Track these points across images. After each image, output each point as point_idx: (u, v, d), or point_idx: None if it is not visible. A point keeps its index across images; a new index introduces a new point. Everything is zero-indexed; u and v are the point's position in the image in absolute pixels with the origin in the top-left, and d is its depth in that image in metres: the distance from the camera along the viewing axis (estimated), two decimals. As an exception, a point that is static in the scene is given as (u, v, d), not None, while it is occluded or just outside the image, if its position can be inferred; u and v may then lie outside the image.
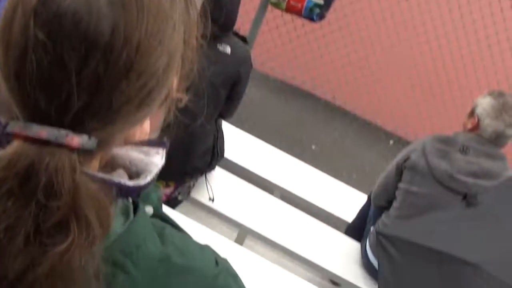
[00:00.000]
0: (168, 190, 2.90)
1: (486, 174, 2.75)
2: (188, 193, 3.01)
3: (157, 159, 0.81)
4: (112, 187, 0.73)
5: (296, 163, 3.61)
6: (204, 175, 3.03)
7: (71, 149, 0.66)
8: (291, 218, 3.20)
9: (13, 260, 0.64)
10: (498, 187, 2.74)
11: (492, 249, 2.71)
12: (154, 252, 0.81)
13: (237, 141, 3.48)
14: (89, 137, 0.68)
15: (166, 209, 2.68)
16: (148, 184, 0.81)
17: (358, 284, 3.05)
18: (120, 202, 0.83)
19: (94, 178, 0.70)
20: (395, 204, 2.97)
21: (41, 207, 0.64)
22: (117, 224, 0.79)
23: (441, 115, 4.93)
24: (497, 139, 2.80)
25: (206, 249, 0.94)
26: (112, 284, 0.74)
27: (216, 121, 2.93)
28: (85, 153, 0.68)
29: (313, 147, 4.77)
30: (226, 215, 3.07)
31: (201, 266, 0.88)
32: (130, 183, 0.78)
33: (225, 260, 0.97)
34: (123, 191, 0.77)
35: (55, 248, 0.64)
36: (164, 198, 2.90)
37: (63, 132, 0.66)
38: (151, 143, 0.82)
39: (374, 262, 2.99)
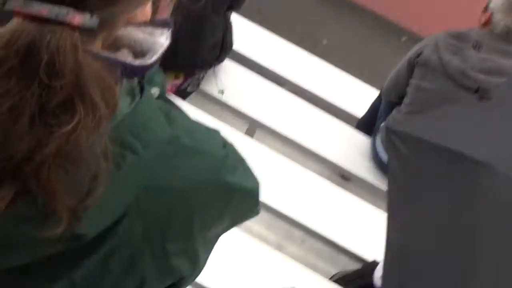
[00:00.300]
0: (177, 82, 2.87)
1: (499, 71, 2.70)
2: (198, 85, 2.99)
3: (162, 39, 0.79)
4: (116, 67, 0.72)
5: (307, 57, 3.56)
6: (213, 67, 3.00)
7: (72, 27, 0.64)
8: (302, 112, 3.19)
9: (19, 141, 0.63)
10: (511, 82, 2.69)
11: (505, 145, 2.69)
12: (162, 133, 0.81)
13: (247, 34, 3.41)
14: (91, 16, 0.66)
15: (176, 100, 2.67)
16: (154, 63, 0.79)
17: (368, 179, 3.07)
18: (126, 82, 0.82)
19: (97, 57, 0.68)
20: (405, 100, 2.94)
21: (44, 86, 0.63)
22: (123, 105, 0.78)
23: (456, 10, 4.81)
24: (509, 35, 2.73)
25: (213, 131, 0.94)
26: (121, 165, 0.74)
27: (225, 13, 2.87)
28: (87, 33, 0.66)
29: (324, 41, 4.70)
30: (236, 108, 3.05)
31: (210, 147, 0.88)
32: (136, 62, 0.77)
33: (232, 144, 0.96)
34: (128, 71, 0.76)
35: (61, 129, 0.64)
36: (173, 89, 2.88)
37: (64, 9, 0.64)
38: (155, 23, 0.80)
39: (384, 157, 2.99)
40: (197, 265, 0.92)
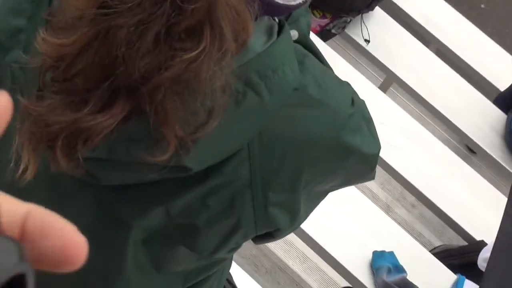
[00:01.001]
0: (323, 21, 2.84)
1: None
2: (343, 28, 2.94)
3: None
4: (257, 2, 0.69)
5: (460, 20, 3.41)
6: (361, 14, 2.94)
7: None
8: (441, 75, 3.08)
9: (140, 59, 0.63)
10: None
11: None
12: (291, 79, 0.78)
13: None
14: None
15: (316, 41, 2.65)
16: (299, 5, 0.78)
17: (494, 156, 2.96)
18: (266, 20, 0.80)
19: None
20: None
21: (176, 7, 0.63)
22: (258, 43, 0.76)
23: None
24: None
25: (345, 86, 0.90)
26: (241, 103, 0.73)
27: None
28: None
29: (482, 6, 4.48)
30: (377, 57, 2.99)
31: (336, 103, 0.85)
32: (279, 0, 0.75)
33: (362, 102, 0.93)
34: (269, 9, 0.74)
35: (184, 55, 0.63)
36: (318, 28, 2.86)
37: None
38: None
39: (517, 138, 2.87)
40: (295, 219, 0.90)
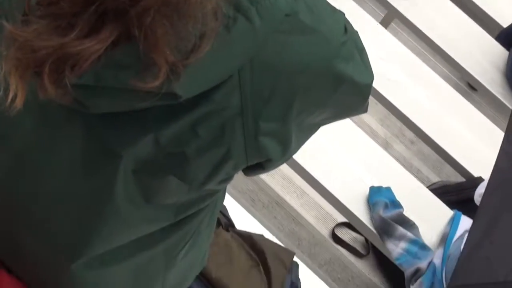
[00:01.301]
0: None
1: None
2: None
3: None
4: None
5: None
6: None
7: None
8: (444, 11, 3.03)
9: None
10: None
11: None
12: (282, 5, 0.76)
13: None
14: None
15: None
16: None
17: (495, 92, 2.93)
18: None
19: None
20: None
21: None
22: None
23: None
24: None
25: (337, 14, 0.88)
26: (231, 29, 0.72)
27: None
28: None
29: None
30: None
31: (329, 30, 0.83)
32: None
33: (355, 32, 0.91)
34: None
35: None
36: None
37: None
38: None
39: (519, 74, 2.85)
40: (287, 150, 0.90)
